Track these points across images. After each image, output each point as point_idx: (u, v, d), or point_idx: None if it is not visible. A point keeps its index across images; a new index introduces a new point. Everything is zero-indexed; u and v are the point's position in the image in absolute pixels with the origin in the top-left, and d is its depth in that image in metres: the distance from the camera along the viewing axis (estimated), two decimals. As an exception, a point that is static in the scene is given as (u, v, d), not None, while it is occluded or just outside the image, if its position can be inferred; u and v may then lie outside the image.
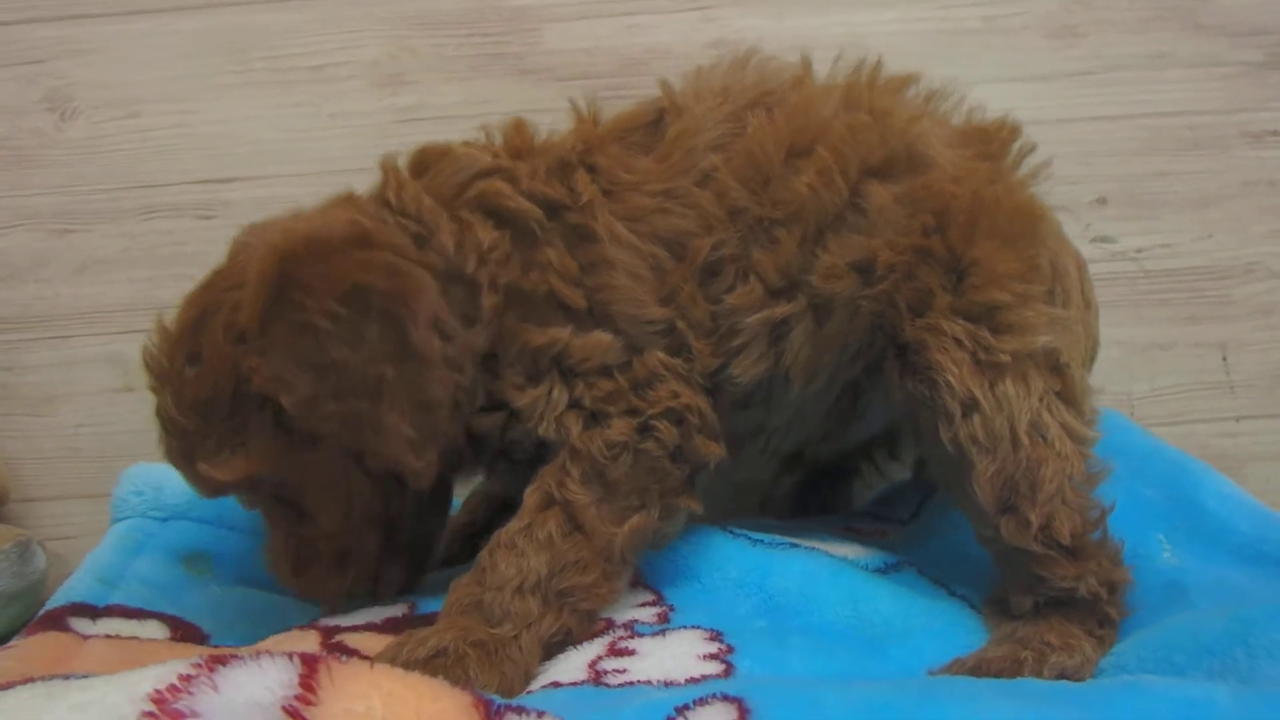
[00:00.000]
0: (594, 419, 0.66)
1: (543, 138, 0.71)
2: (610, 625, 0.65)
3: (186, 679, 0.39)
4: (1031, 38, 0.97)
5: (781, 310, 0.68)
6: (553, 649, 0.62)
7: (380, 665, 0.42)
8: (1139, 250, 0.98)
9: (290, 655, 0.41)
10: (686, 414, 0.66)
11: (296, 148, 0.96)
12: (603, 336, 0.66)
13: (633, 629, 0.64)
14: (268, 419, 0.60)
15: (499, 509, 0.82)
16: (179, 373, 0.61)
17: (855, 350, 0.70)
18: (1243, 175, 0.97)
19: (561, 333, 0.66)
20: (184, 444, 0.62)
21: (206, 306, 0.61)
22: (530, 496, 0.65)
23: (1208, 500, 0.76)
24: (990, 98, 0.96)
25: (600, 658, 0.61)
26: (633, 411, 0.66)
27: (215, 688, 0.38)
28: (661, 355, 0.67)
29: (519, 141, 0.70)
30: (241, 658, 0.40)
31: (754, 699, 0.49)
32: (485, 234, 0.66)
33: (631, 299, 0.66)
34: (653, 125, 0.71)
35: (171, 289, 0.97)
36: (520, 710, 0.41)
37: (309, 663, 0.40)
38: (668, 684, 0.57)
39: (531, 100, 0.96)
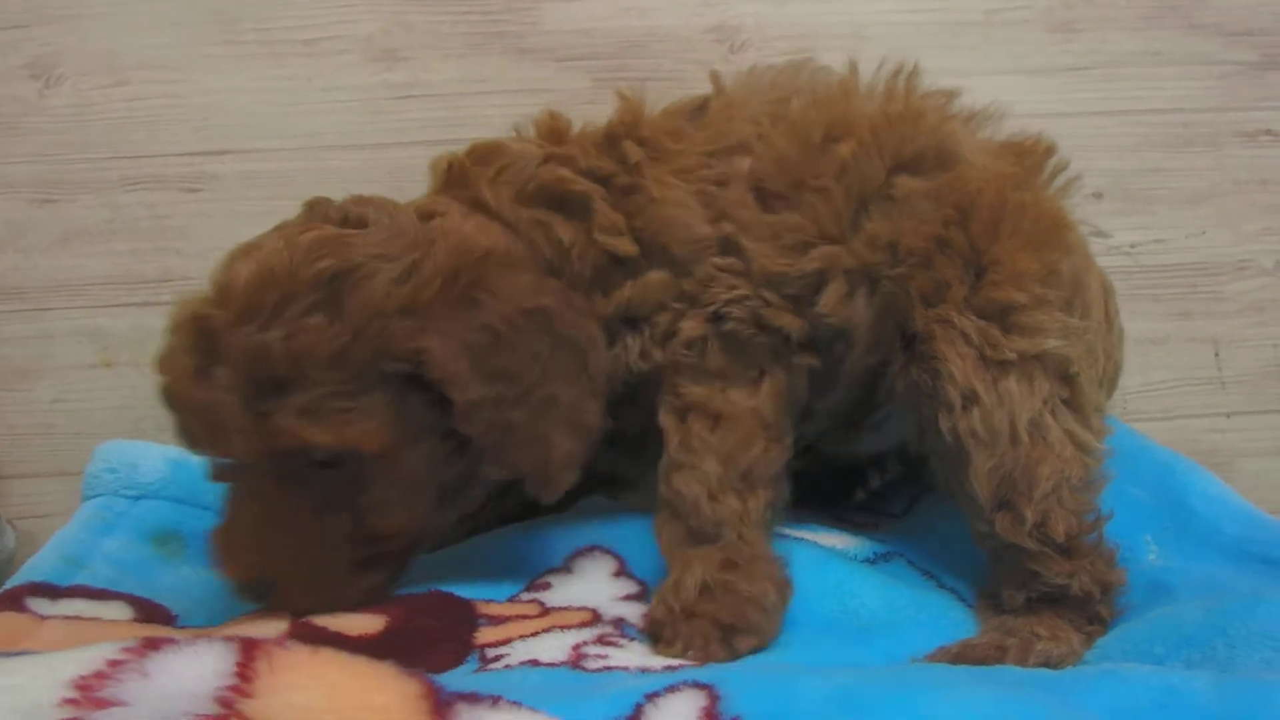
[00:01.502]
0: (668, 337, 0.68)
1: (578, 128, 0.72)
2: (597, 618, 0.64)
3: (115, 664, 0.37)
4: (1031, 31, 0.97)
5: (842, 257, 0.68)
6: (767, 525, 0.66)
7: (326, 653, 0.40)
8: (1133, 245, 0.98)
9: (230, 640, 0.39)
10: (746, 300, 0.66)
11: (287, 122, 0.94)
12: (656, 275, 0.67)
13: (621, 629, 0.63)
14: (389, 398, 0.58)
15: (496, 491, 0.81)
16: (297, 317, 0.56)
17: (872, 339, 0.70)
18: (1236, 173, 0.98)
19: (621, 294, 0.67)
20: (267, 392, 0.56)
21: (349, 264, 0.58)
22: (664, 420, 0.67)
23: (1194, 501, 0.77)
24: (989, 90, 0.96)
25: (586, 643, 0.61)
26: (695, 311, 0.67)
27: (145, 674, 0.36)
28: (715, 259, 0.67)
29: (559, 129, 0.72)
30: (177, 642, 0.38)
31: (725, 686, 0.49)
32: (564, 229, 0.67)
33: (680, 223, 0.67)
34: (698, 110, 0.72)
35: (154, 262, 0.95)
36: (473, 698, 0.39)
37: (248, 649, 0.38)
38: (644, 670, 0.56)
39: (529, 80, 0.95)
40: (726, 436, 0.65)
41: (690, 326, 0.67)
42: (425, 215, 0.65)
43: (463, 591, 0.66)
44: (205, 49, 0.94)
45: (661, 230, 0.67)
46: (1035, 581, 0.65)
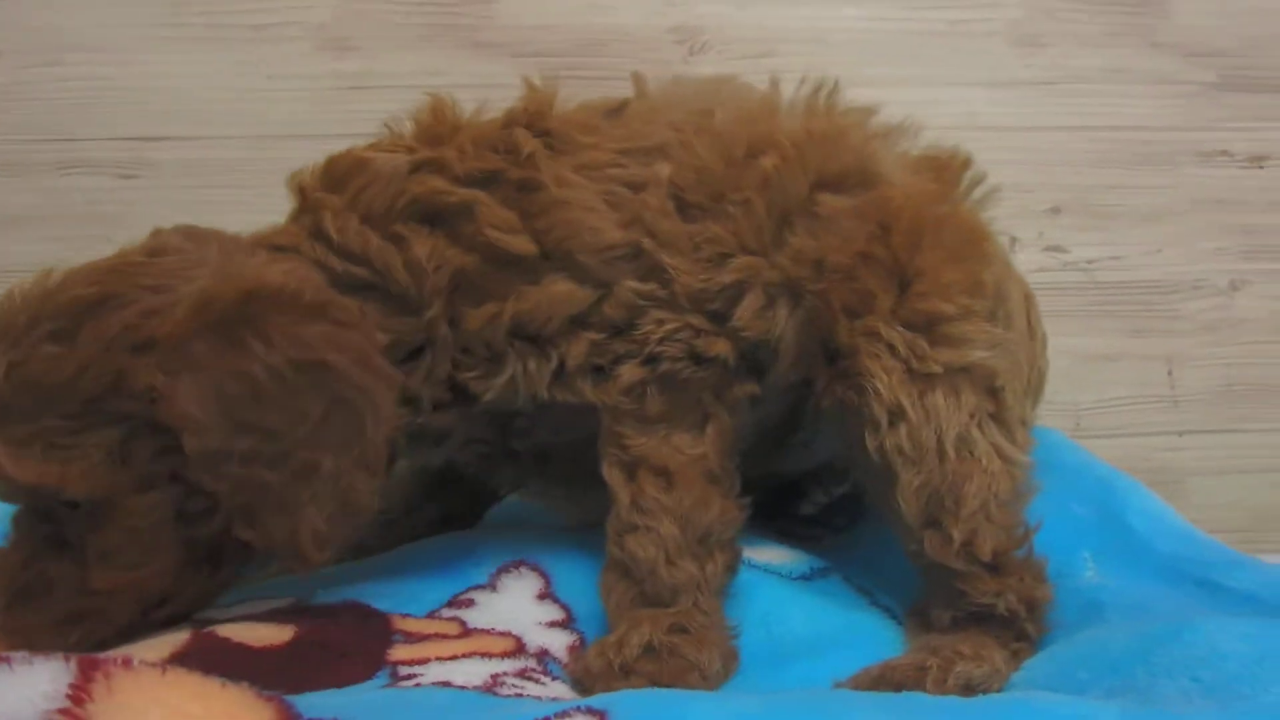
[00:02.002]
0: (597, 371, 0.64)
1: (467, 115, 0.67)
2: (521, 648, 0.62)
3: None
4: (996, 44, 0.97)
5: (763, 269, 0.65)
6: (722, 590, 0.64)
7: (173, 674, 0.38)
8: (1090, 261, 0.98)
9: (67, 658, 0.36)
10: (677, 334, 0.63)
11: (232, 109, 0.91)
12: (559, 286, 0.62)
13: (545, 665, 0.61)
14: (112, 439, 0.53)
15: (422, 496, 0.79)
16: (34, 343, 0.53)
17: (795, 354, 0.68)
18: (1193, 192, 0.99)
19: (500, 305, 0.62)
20: None
21: (111, 293, 0.53)
22: (610, 473, 0.64)
23: (1132, 518, 0.76)
24: (951, 101, 0.97)
25: (505, 674, 0.58)
26: (627, 355, 0.63)
27: None
28: (632, 283, 0.63)
29: (438, 126, 0.65)
30: (11, 660, 0.36)
31: (616, 711, 0.47)
32: (421, 245, 0.61)
33: (586, 227, 0.62)
34: (616, 110, 0.68)
35: (85, 251, 0.88)
36: None
37: (86, 669, 0.36)
38: (554, 699, 0.55)
39: (483, 75, 0.93)
40: (682, 497, 0.63)
41: (627, 373, 0.63)
42: (264, 247, 0.61)
43: (380, 603, 0.63)
44: (148, 30, 0.91)
45: (567, 235, 0.62)
46: (962, 600, 0.64)
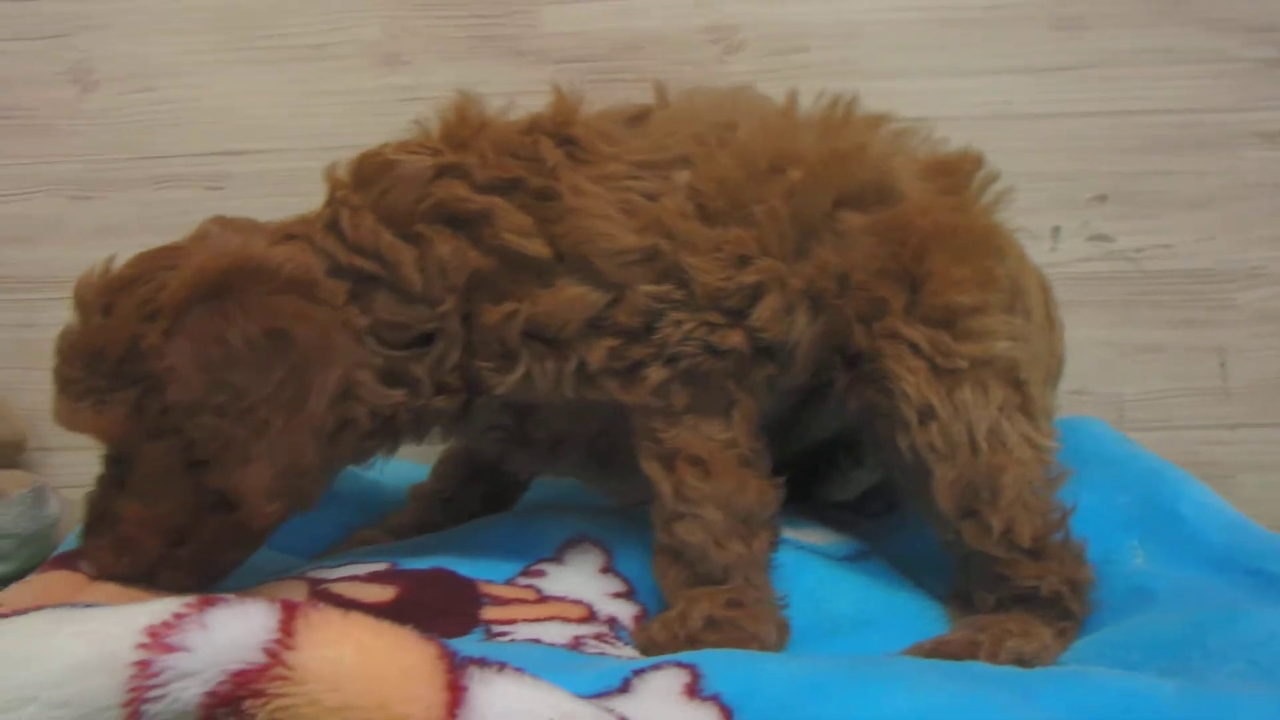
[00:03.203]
0: (618, 374, 0.66)
1: (490, 114, 0.70)
2: (592, 615, 0.67)
3: (179, 616, 0.42)
4: (1034, 29, 0.95)
5: (785, 275, 0.67)
6: (768, 565, 0.68)
7: (354, 615, 0.44)
8: (1137, 250, 0.96)
9: (273, 601, 0.44)
10: (693, 334, 0.65)
11: (297, 123, 0.99)
12: (573, 289, 0.65)
13: (616, 632, 0.66)
14: (132, 396, 0.61)
15: (470, 476, 0.84)
16: (90, 317, 0.63)
17: (809, 360, 0.70)
18: (1250, 176, 0.94)
19: (516, 305, 0.65)
20: (65, 381, 0.63)
21: (140, 273, 0.63)
22: (649, 466, 0.67)
23: (1183, 507, 0.75)
24: (989, 89, 0.96)
25: (585, 637, 0.64)
26: (649, 360, 0.66)
27: (204, 626, 0.41)
28: (647, 287, 0.65)
29: (462, 128, 0.69)
30: (229, 600, 0.43)
31: (705, 666, 0.52)
32: (444, 244, 0.65)
33: (602, 234, 0.65)
34: (638, 118, 0.71)
35: None
36: (483, 662, 0.43)
37: (289, 609, 0.43)
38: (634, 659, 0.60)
39: (526, 82, 0.97)
40: (721, 484, 0.66)
41: (652, 374, 0.65)
42: (281, 234, 0.66)
43: (463, 570, 0.69)
44: (224, 54, 0.99)
45: (581, 240, 0.65)
46: (1004, 585, 0.66)
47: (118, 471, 0.64)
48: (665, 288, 0.65)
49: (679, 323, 0.65)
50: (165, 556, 0.63)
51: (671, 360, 0.66)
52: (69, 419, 0.62)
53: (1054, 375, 0.75)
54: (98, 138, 1.01)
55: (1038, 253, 0.92)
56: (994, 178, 0.73)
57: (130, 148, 1.01)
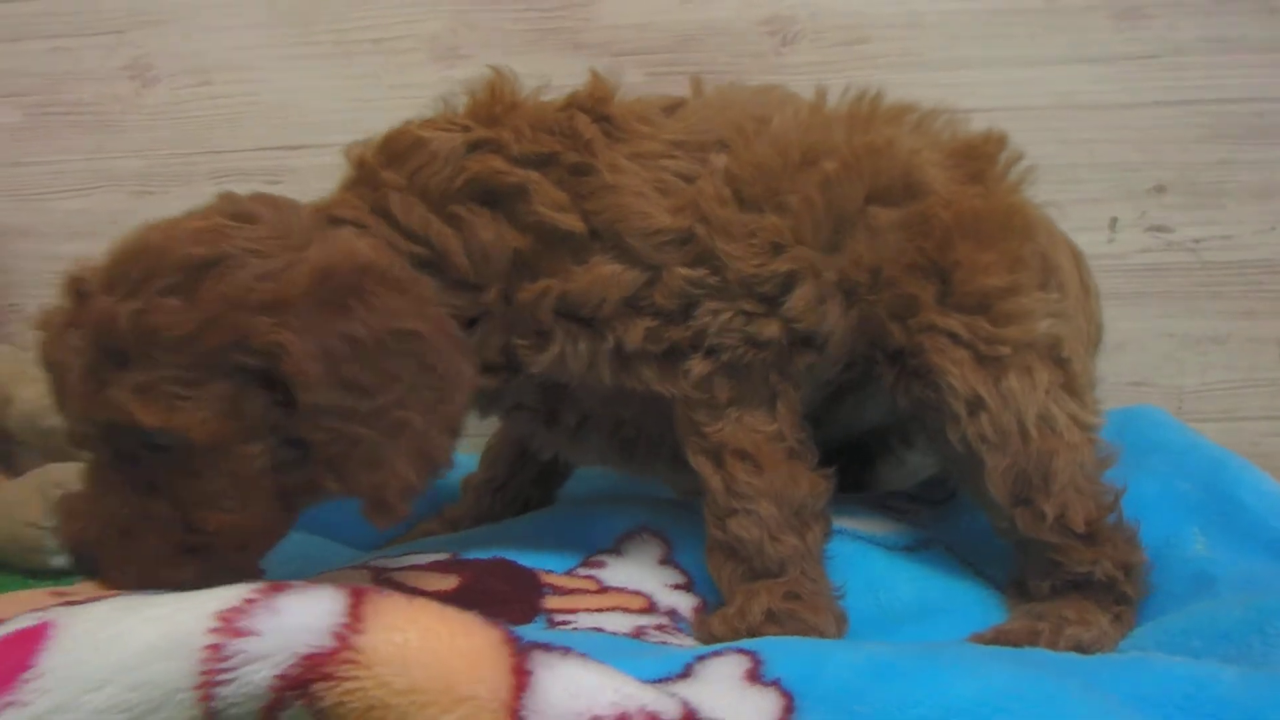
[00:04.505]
0: (657, 360, 0.66)
1: (523, 93, 0.69)
2: (653, 606, 0.68)
3: (250, 602, 0.43)
4: (1095, 18, 0.94)
5: (817, 264, 0.67)
6: (822, 556, 0.68)
7: (419, 601, 0.45)
8: (1197, 241, 0.95)
9: (340, 587, 0.45)
10: (731, 324, 0.66)
11: (358, 117, 0.98)
12: (608, 267, 0.65)
13: (676, 624, 0.67)
14: (227, 391, 0.56)
15: (519, 462, 0.85)
16: (153, 295, 0.56)
17: (844, 352, 0.71)
18: (1313, 166, 0.94)
19: (550, 282, 0.65)
20: (109, 362, 0.56)
21: (222, 254, 0.57)
22: (696, 461, 0.67)
23: (1246, 496, 0.75)
24: (1049, 80, 0.96)
25: (646, 627, 0.65)
26: (690, 347, 0.66)
27: (275, 610, 0.42)
28: (682, 270, 0.65)
29: (494, 105, 0.68)
30: (298, 587, 0.44)
31: (766, 653, 0.53)
32: (485, 228, 0.65)
33: (637, 211, 0.64)
34: (673, 106, 0.71)
35: None
36: (546, 647, 0.44)
37: (356, 594, 0.44)
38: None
39: (585, 75, 0.97)
40: (772, 478, 0.66)
41: (695, 366, 0.66)
42: (325, 217, 0.64)
43: (524, 560, 0.70)
44: (284, 49, 1.00)
45: (616, 218, 0.64)
46: (1059, 570, 0.67)
47: (140, 473, 0.57)
48: (700, 272, 0.65)
49: (716, 312, 0.65)
50: (230, 563, 0.59)
51: (713, 353, 0.66)
52: (147, 411, 0.55)
53: (1094, 343, 0.76)
54: (157, 133, 1.02)
55: (1095, 244, 0.92)
56: (1018, 158, 0.73)
57: (189, 143, 1.02)
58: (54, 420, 0.98)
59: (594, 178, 0.65)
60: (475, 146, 0.65)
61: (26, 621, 0.45)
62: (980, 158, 0.72)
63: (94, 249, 1.02)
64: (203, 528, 0.58)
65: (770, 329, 0.66)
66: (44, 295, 1.06)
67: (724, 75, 0.94)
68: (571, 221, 0.64)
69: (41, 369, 0.59)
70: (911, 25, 0.96)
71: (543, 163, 0.65)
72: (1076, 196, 0.93)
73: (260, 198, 0.64)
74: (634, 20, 0.98)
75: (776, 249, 0.66)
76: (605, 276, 0.65)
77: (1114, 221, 0.95)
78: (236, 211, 0.61)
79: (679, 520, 0.77)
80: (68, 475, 0.96)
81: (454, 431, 0.60)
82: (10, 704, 0.40)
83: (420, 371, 0.58)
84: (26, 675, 0.41)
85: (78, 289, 0.58)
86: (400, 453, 0.57)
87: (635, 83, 0.97)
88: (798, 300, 0.66)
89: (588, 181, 0.65)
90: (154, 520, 0.57)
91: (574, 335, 0.66)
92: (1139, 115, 0.94)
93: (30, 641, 0.43)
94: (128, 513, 0.57)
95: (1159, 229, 0.95)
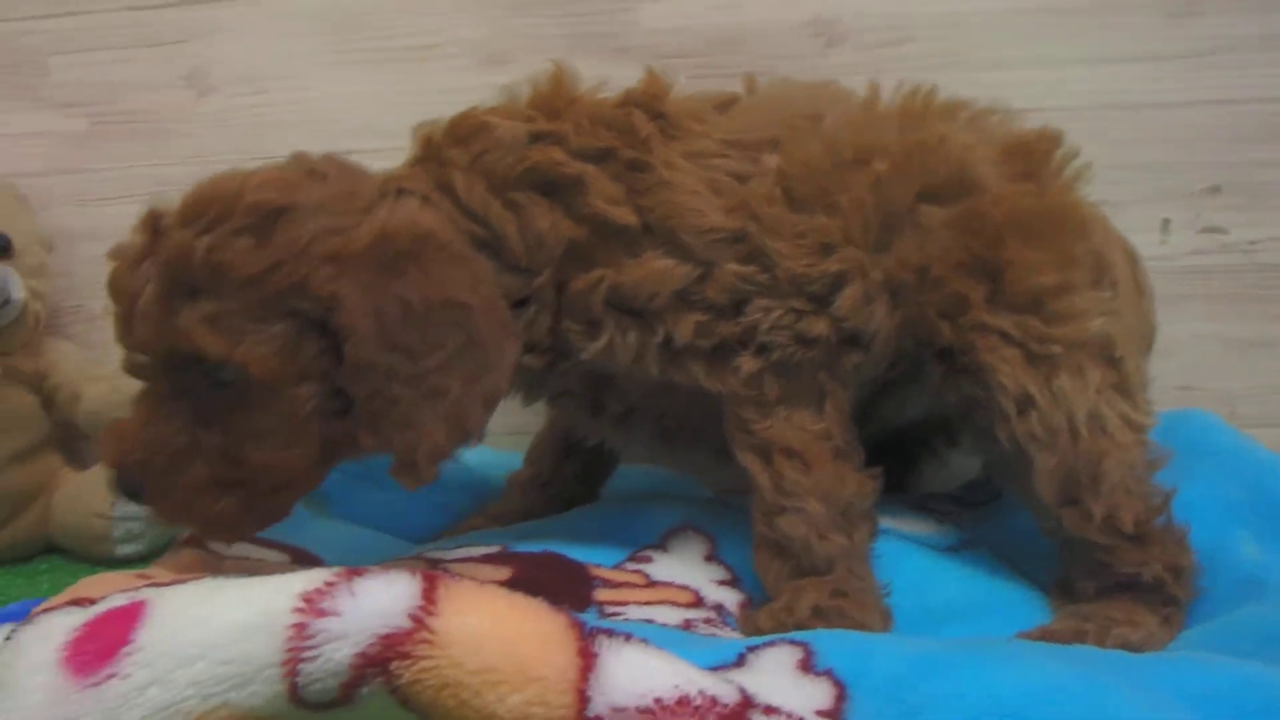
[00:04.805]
0: (707, 356, 0.67)
1: (582, 89, 0.70)
2: (700, 601, 0.69)
3: (330, 584, 0.45)
4: (1145, 15, 0.92)
5: (866, 265, 0.67)
6: (869, 555, 0.68)
7: (488, 587, 0.47)
8: (1252, 243, 0.93)
9: (414, 572, 0.47)
10: (782, 322, 0.66)
11: (404, 123, 1.00)
12: (660, 261, 0.65)
13: (724, 619, 0.68)
14: (287, 332, 0.58)
15: (563, 459, 0.87)
16: (226, 234, 0.58)
17: (890, 350, 0.71)
18: (1373, 166, 0.91)
19: (603, 272, 0.66)
20: (181, 293, 0.58)
21: (296, 203, 0.60)
22: (745, 458, 0.68)
23: None
24: (1098, 79, 0.94)
25: (695, 621, 0.66)
26: (740, 344, 0.67)
27: (353, 593, 0.44)
28: (734, 266, 0.66)
29: (555, 99, 0.69)
30: (374, 571, 0.46)
31: (817, 644, 0.54)
32: (542, 217, 0.66)
33: (691, 209, 0.66)
34: (725, 104, 0.72)
35: None
36: (610, 632, 0.45)
37: (430, 579, 0.46)
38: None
39: (627, 79, 0.95)
40: (820, 477, 0.66)
41: (745, 364, 0.66)
42: (393, 186, 0.65)
43: (573, 554, 0.71)
44: (333, 57, 1.02)
45: (670, 214, 0.65)
46: (1106, 572, 0.66)
47: (195, 405, 0.59)
48: (751, 269, 0.66)
49: (767, 309, 0.66)
50: (264, 504, 0.62)
51: (763, 350, 0.66)
52: (210, 339, 0.57)
53: (1148, 344, 0.75)
54: (213, 140, 1.05)
55: (1147, 245, 0.90)
56: (1073, 155, 0.72)
57: (243, 149, 1.04)
58: (119, 415, 1.04)
59: (649, 174, 0.66)
60: (537, 137, 0.67)
61: (119, 600, 0.47)
62: (1034, 155, 0.71)
63: (153, 252, 1.07)
64: (247, 463, 0.59)
65: (819, 327, 0.66)
66: (106, 297, 1.11)
67: (765, 77, 0.94)
68: (626, 215, 0.65)
69: (112, 298, 0.62)
70: (955, 25, 0.95)
71: (600, 157, 0.66)
72: (1128, 198, 0.91)
73: (331, 159, 0.67)
74: (674, 24, 0.98)
75: (826, 249, 0.66)
76: (658, 271, 0.66)
77: (1166, 223, 0.94)
78: (309, 169, 0.64)
79: (721, 518, 0.78)
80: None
81: (490, 405, 0.62)
82: (112, 675, 0.43)
83: (465, 343, 0.60)
84: (127, 649, 0.43)
85: (154, 224, 0.60)
86: (435, 417, 0.59)
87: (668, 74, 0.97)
88: (846, 300, 0.66)
89: (643, 178, 0.66)
90: (200, 452, 0.59)
91: (624, 326, 0.67)
92: (1193, 114, 0.92)
93: (127, 618, 0.45)
94: (177, 442, 0.59)
95: (1213, 230, 0.93)
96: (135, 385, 1.06)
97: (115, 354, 1.12)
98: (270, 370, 0.58)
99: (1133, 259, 0.74)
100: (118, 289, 0.61)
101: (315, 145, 1.04)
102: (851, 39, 0.97)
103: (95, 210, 1.08)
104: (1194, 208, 0.94)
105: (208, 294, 0.58)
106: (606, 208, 0.65)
